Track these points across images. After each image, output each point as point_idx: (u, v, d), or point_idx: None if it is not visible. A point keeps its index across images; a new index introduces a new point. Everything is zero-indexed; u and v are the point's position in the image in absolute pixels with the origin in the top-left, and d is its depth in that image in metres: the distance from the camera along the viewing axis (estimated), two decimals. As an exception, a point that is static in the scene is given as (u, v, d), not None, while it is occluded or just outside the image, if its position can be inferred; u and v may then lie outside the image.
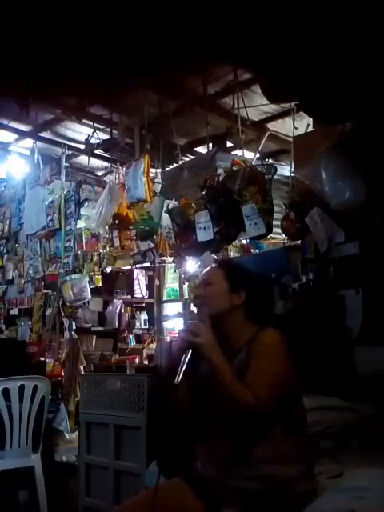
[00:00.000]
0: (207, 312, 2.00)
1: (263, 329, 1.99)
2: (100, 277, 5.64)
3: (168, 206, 4.09)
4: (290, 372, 1.93)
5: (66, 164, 5.51)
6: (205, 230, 3.65)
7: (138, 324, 6.70)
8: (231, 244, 4.38)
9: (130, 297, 6.65)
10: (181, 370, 1.87)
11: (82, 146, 5.36)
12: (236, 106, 4.13)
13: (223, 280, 2.09)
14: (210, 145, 4.66)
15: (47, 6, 3.11)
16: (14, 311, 6.18)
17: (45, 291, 5.73)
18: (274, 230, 3.52)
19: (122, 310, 6.58)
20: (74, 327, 5.36)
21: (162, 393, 2.13)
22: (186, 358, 1.89)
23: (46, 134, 5.51)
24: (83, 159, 5.58)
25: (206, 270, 2.31)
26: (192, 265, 4.83)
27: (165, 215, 4.19)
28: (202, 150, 5.29)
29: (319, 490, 1.91)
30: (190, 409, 2.05)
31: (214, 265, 2.38)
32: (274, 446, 1.84)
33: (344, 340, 3.09)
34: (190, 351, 1.90)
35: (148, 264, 5.86)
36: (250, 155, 4.76)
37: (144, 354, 5.76)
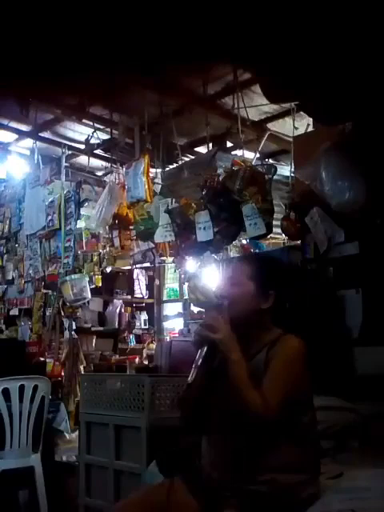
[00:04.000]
0: (227, 306, 1.85)
1: (286, 334, 1.89)
2: (100, 277, 5.65)
3: (168, 206, 4.09)
4: (306, 382, 1.85)
5: (66, 164, 5.51)
6: (205, 230, 3.66)
7: (138, 324, 6.71)
8: (231, 244, 4.38)
9: (130, 297, 6.66)
10: (195, 367, 1.77)
11: (82, 146, 5.36)
12: (236, 105, 4.14)
13: (250, 280, 1.89)
14: (210, 145, 4.67)
15: (47, 6, 3.11)
16: (14, 311, 6.19)
17: (45, 291, 5.73)
18: (274, 229, 3.53)
19: (122, 310, 6.59)
20: (74, 327, 5.35)
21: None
22: (201, 354, 1.78)
23: (45, 134, 5.52)
24: (83, 159, 5.58)
25: (231, 266, 2.12)
26: (192, 265, 4.83)
27: (165, 215, 4.19)
28: (202, 149, 5.29)
29: (320, 492, 1.90)
30: (198, 406, 1.94)
31: (240, 261, 2.15)
32: (280, 453, 1.78)
33: (344, 340, 3.09)
34: (206, 348, 1.79)
35: (148, 264, 5.87)
36: (250, 155, 4.77)
37: (144, 354, 5.78)
